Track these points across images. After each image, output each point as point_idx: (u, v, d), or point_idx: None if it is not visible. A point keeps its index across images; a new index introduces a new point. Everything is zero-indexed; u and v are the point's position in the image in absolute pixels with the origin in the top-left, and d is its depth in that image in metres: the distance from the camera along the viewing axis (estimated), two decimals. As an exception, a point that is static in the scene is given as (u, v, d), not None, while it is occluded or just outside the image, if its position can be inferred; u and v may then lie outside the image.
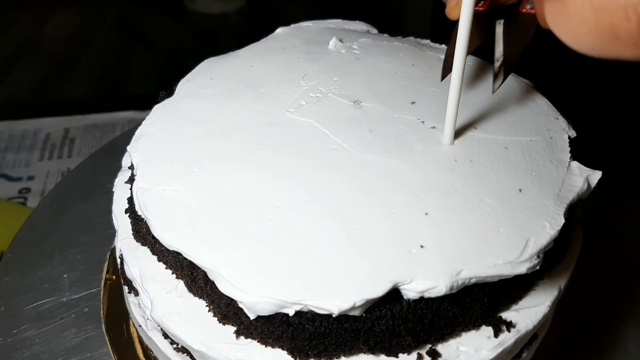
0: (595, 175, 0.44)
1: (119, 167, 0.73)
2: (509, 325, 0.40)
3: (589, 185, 0.43)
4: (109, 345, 0.52)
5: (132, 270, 0.43)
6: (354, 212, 0.39)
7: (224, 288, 0.36)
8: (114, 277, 0.57)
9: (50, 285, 0.58)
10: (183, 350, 0.42)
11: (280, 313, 0.35)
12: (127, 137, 0.48)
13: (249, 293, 0.35)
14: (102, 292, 0.56)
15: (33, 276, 0.59)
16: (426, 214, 0.39)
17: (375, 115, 0.47)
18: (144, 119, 0.48)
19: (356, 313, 0.35)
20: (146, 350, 0.49)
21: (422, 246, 0.37)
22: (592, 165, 0.45)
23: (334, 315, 0.35)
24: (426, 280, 0.35)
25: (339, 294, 0.34)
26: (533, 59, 0.47)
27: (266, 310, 0.35)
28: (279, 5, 1.37)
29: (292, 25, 0.59)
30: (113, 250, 0.59)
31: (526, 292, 0.42)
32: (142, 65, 1.28)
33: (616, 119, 0.95)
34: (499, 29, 0.47)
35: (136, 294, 0.46)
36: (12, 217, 0.85)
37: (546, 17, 0.29)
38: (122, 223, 0.47)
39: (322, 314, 0.35)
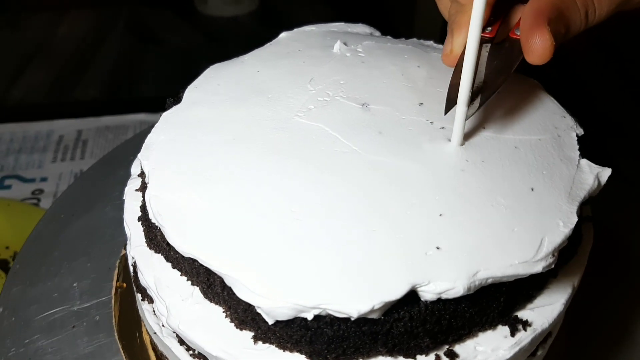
0: (605, 173, 0.44)
1: (122, 176, 0.73)
2: (525, 324, 0.40)
3: (599, 182, 0.44)
4: (122, 353, 0.52)
5: (146, 277, 0.43)
6: (368, 215, 0.39)
7: (242, 294, 0.36)
8: (124, 284, 0.57)
9: (60, 294, 0.58)
10: (199, 356, 0.42)
11: (298, 317, 0.35)
12: (137, 141, 0.48)
13: (268, 298, 0.35)
14: (113, 300, 0.56)
15: (42, 286, 0.59)
16: (441, 215, 0.39)
17: (383, 118, 0.47)
18: (155, 121, 0.48)
19: (375, 316, 0.35)
20: (160, 357, 0.48)
21: (438, 247, 0.37)
22: (601, 164, 0.45)
23: (352, 319, 0.35)
24: (444, 282, 0.35)
25: (357, 297, 0.35)
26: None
27: (285, 315, 0.35)
28: (291, 8, 1.36)
29: (295, 30, 0.59)
30: (122, 258, 0.59)
31: (541, 290, 0.42)
32: (154, 68, 1.28)
33: (623, 119, 0.94)
34: (485, 52, 0.46)
35: (150, 301, 0.46)
36: (26, 218, 0.85)
37: None
38: (134, 231, 0.47)
39: (341, 317, 0.35)
